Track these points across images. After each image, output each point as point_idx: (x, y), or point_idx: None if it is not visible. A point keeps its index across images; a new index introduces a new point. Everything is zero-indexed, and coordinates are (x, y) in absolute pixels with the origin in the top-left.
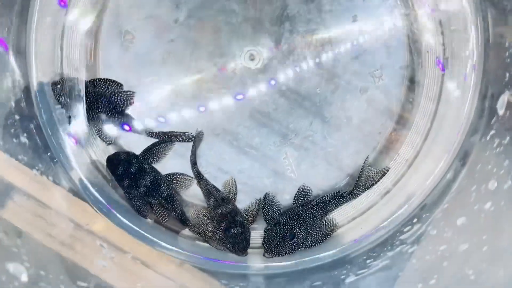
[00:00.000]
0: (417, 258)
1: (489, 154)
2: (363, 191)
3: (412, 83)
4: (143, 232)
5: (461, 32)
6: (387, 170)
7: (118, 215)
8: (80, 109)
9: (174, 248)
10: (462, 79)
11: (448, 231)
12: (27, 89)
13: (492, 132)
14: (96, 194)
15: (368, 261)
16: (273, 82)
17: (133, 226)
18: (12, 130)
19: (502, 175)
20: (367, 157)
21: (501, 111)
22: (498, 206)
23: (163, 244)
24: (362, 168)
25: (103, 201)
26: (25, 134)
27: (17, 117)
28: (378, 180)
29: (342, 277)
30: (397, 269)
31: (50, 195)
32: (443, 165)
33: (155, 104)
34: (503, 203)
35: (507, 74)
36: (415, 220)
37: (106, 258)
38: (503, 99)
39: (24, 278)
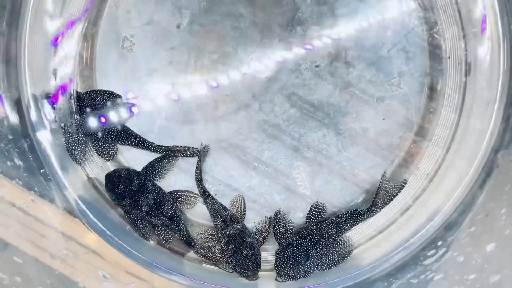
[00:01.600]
0: None
1: None
2: (382, 208)
3: (432, 91)
4: (143, 256)
5: (485, 36)
6: (405, 183)
7: (116, 238)
8: (75, 123)
9: (178, 273)
10: (486, 87)
11: (477, 258)
12: (18, 103)
13: None
14: (91, 215)
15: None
16: (284, 91)
17: (132, 250)
18: (5, 150)
19: None
20: (385, 172)
21: None
22: None
23: (166, 269)
24: (379, 184)
25: (99, 223)
26: (17, 153)
27: (10, 136)
28: (397, 195)
29: None
30: None
31: (43, 213)
32: (467, 180)
33: (156, 116)
34: None
35: None
36: (439, 243)
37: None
38: None
39: None
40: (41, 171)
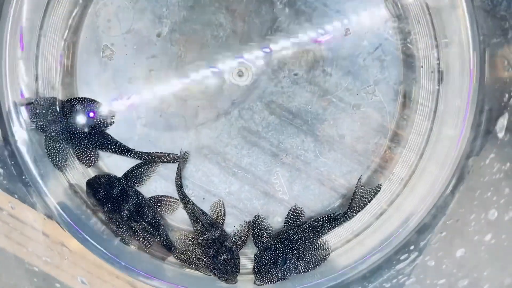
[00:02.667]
0: None
1: (488, 180)
2: (357, 212)
3: (406, 99)
4: (123, 262)
5: (456, 46)
6: (380, 188)
7: (96, 244)
8: (56, 131)
9: (158, 278)
10: (458, 95)
11: (447, 263)
12: None
13: (492, 155)
14: (71, 222)
15: None
16: (263, 98)
17: (112, 256)
18: None
19: (503, 205)
20: (360, 177)
21: (500, 134)
22: (499, 239)
23: (146, 274)
24: (355, 189)
25: (79, 230)
26: None
27: None
28: (371, 199)
29: None
30: None
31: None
32: (440, 185)
33: (137, 123)
34: (505, 236)
35: (506, 95)
36: (411, 247)
37: None
38: (502, 122)
39: None
40: (22, 177)
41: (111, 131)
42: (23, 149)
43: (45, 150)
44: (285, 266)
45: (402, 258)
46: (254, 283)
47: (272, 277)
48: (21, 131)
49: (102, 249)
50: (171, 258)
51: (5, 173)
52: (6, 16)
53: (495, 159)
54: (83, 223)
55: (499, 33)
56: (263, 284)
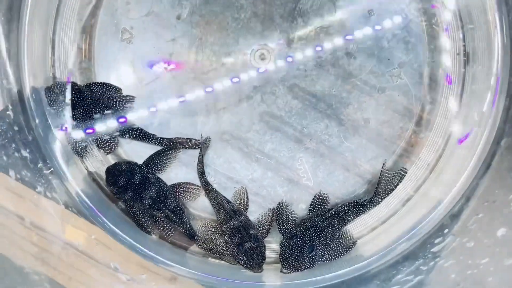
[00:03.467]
0: (456, 273)
1: None
2: (384, 198)
3: (432, 81)
4: (147, 250)
5: (482, 26)
6: (406, 171)
7: (118, 230)
8: (75, 116)
9: (181, 267)
10: (486, 76)
11: (489, 243)
12: (19, 95)
13: None
14: (94, 208)
15: (398, 276)
16: (285, 82)
17: (135, 243)
18: (8, 143)
19: None
20: (385, 161)
21: None
22: None
23: (170, 262)
24: (381, 174)
25: (102, 216)
26: (22, 147)
27: (15, 128)
28: (398, 184)
29: None
30: (435, 285)
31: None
32: (470, 169)
33: (157, 108)
34: None
35: None
36: (446, 231)
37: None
38: None
39: None
40: (39, 165)
41: (130, 117)
42: (44, 135)
43: (66, 137)
44: (312, 254)
45: (436, 241)
46: (281, 271)
47: (300, 265)
48: (42, 117)
49: (125, 236)
50: (194, 248)
51: (30, 157)
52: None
53: None
54: (104, 209)
55: None
56: (290, 272)
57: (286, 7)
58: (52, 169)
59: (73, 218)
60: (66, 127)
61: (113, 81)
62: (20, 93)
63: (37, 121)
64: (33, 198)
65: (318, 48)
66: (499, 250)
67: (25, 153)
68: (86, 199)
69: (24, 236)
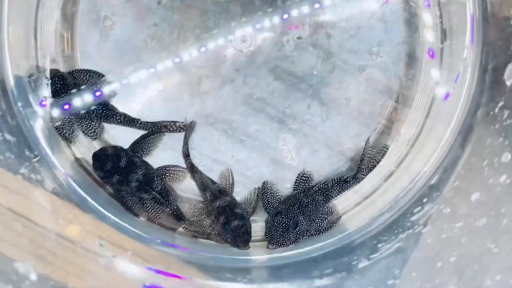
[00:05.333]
0: (432, 238)
1: (499, 127)
2: (366, 174)
3: (410, 59)
4: (138, 231)
5: (458, 2)
6: (387, 148)
7: (108, 213)
8: (60, 104)
9: (172, 245)
10: (461, 53)
11: (463, 208)
12: (1, 84)
13: (501, 103)
14: (82, 193)
15: (379, 245)
16: (267, 64)
17: (126, 225)
18: None
19: None
20: (368, 138)
21: (509, 82)
22: None
23: (160, 241)
24: (363, 151)
25: (91, 200)
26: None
27: None
28: (380, 160)
29: (354, 262)
30: (412, 250)
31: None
32: (447, 142)
33: (140, 93)
34: None
35: None
36: (425, 200)
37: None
38: (511, 69)
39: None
40: (26, 153)
41: (114, 102)
42: (29, 122)
43: (51, 123)
44: (297, 229)
45: (415, 211)
46: (267, 247)
47: (285, 241)
48: (26, 105)
49: (114, 218)
50: (181, 229)
51: (13, 143)
52: None
53: (505, 107)
54: (93, 194)
55: None
56: (276, 248)
57: None
58: (38, 156)
59: (62, 206)
60: (51, 115)
61: (96, 68)
62: (3, 82)
63: (20, 109)
64: (23, 189)
65: (298, 29)
66: (473, 212)
67: (9, 137)
68: (75, 184)
69: (15, 228)
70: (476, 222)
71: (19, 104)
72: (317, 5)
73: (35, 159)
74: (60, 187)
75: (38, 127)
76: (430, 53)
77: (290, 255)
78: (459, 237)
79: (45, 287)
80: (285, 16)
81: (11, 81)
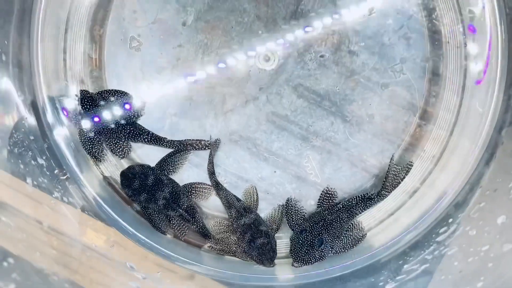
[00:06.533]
0: (459, 261)
1: None
2: (391, 191)
3: (434, 76)
4: (163, 248)
5: (481, 18)
6: (412, 165)
7: (134, 231)
8: (89, 124)
9: (196, 263)
10: (485, 69)
11: (489, 231)
12: (33, 105)
13: None
14: (111, 211)
15: (405, 266)
16: (290, 82)
17: (151, 242)
18: (25, 151)
19: None
20: (393, 155)
21: None
22: None
23: (185, 259)
24: (388, 168)
25: (118, 218)
26: (38, 155)
27: (31, 137)
28: (404, 177)
29: (381, 284)
30: (439, 273)
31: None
32: (472, 160)
33: (167, 112)
34: None
35: None
36: (450, 220)
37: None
38: None
39: None
40: (55, 171)
41: (142, 121)
42: (60, 142)
43: (81, 142)
44: (322, 247)
45: (441, 231)
46: (292, 265)
47: (310, 258)
48: (57, 125)
49: (141, 236)
50: (207, 247)
51: (46, 164)
52: (35, 11)
53: None
54: (120, 212)
55: None
56: (301, 266)
57: (288, 9)
58: (68, 175)
59: (90, 222)
60: (81, 134)
61: (123, 88)
62: (34, 103)
63: (52, 129)
64: (50, 203)
65: (321, 48)
66: (499, 237)
67: (41, 161)
68: (103, 203)
69: (43, 240)
70: (503, 247)
71: (50, 124)
72: (339, 22)
73: (64, 177)
74: (89, 205)
75: (68, 146)
76: (455, 65)
77: (315, 274)
78: (486, 261)
79: None
80: (308, 35)
81: (42, 102)
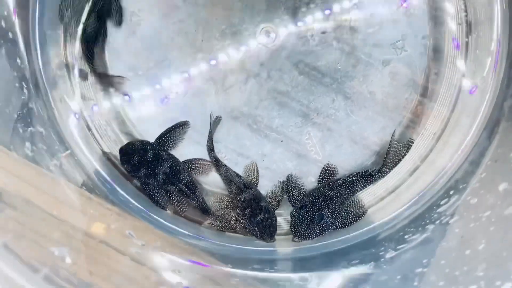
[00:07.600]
0: (460, 227)
1: None
2: (392, 168)
3: (435, 53)
4: (166, 222)
5: None
6: (412, 142)
7: (137, 204)
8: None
9: (199, 237)
10: (488, 46)
11: (490, 198)
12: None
13: None
14: (113, 183)
15: (406, 236)
16: (291, 58)
17: (155, 216)
18: (23, 122)
19: None
20: (394, 132)
21: None
22: None
23: (187, 233)
24: (389, 144)
25: (120, 190)
26: (38, 125)
27: (30, 105)
28: (405, 154)
29: (381, 253)
30: (439, 240)
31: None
32: (473, 136)
33: (166, 88)
34: None
35: None
36: (451, 192)
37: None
38: None
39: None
40: (55, 147)
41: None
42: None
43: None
44: (322, 222)
45: (442, 203)
46: (293, 240)
47: (310, 233)
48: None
49: (143, 208)
50: (207, 224)
51: (43, 135)
52: None
53: None
54: (122, 185)
55: None
56: (301, 241)
57: None
58: (69, 150)
59: (89, 200)
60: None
61: (123, 63)
62: (35, 75)
63: (51, 102)
64: (52, 187)
65: (322, 24)
66: (500, 203)
67: (41, 129)
68: (103, 176)
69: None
70: (505, 211)
71: (50, 98)
72: (342, 0)
73: (66, 153)
74: (89, 179)
75: (69, 121)
76: (455, 43)
77: (316, 246)
78: (487, 226)
79: None
80: (310, 11)
81: (43, 75)
